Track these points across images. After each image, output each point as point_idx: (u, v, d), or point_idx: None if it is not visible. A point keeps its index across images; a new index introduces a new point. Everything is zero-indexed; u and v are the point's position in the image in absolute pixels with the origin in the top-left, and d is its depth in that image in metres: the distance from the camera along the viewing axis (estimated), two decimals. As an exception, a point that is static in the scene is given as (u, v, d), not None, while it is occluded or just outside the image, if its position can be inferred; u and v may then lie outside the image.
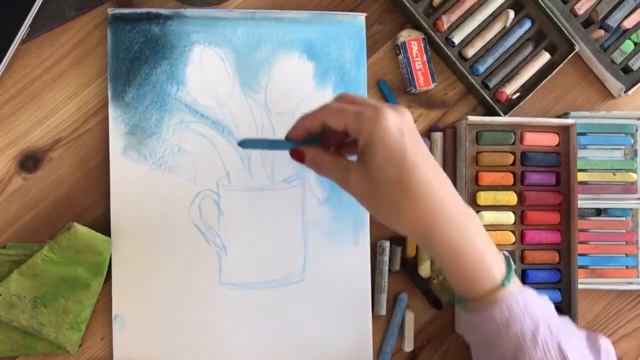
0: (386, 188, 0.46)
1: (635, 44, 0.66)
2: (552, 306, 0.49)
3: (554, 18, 0.63)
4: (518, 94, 0.64)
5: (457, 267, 0.47)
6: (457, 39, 0.63)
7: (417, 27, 0.63)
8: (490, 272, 0.47)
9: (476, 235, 0.46)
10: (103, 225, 0.58)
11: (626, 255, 0.66)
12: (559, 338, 0.46)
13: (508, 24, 0.63)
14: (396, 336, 0.63)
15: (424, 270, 0.62)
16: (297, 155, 0.52)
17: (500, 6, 0.63)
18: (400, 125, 0.46)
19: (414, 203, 0.45)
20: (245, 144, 0.51)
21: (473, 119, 0.62)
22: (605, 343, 0.50)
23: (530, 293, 0.48)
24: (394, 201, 0.46)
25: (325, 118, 0.48)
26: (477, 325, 0.48)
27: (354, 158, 0.51)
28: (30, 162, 0.59)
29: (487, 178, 0.62)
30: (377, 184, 0.46)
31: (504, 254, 0.49)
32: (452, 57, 0.62)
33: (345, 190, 0.49)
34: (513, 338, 0.46)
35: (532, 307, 0.47)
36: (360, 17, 0.62)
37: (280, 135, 0.61)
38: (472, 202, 0.62)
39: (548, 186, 0.64)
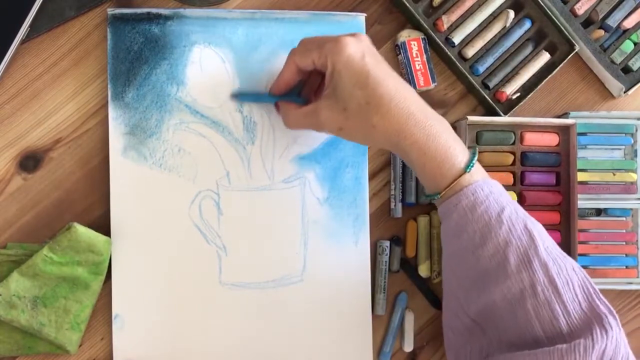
0: (357, 110, 0.51)
1: (635, 44, 0.66)
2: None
3: (554, 18, 0.63)
4: (518, 94, 0.64)
5: (425, 163, 0.51)
6: (457, 39, 0.63)
7: (417, 27, 0.63)
8: (454, 162, 0.51)
9: (442, 135, 0.51)
10: (103, 225, 0.58)
11: (626, 255, 0.66)
12: (524, 219, 0.50)
13: (508, 24, 0.63)
14: (396, 336, 0.63)
15: (424, 270, 0.62)
16: (277, 110, 0.59)
17: (500, 6, 0.63)
18: (360, 49, 0.51)
19: (384, 117, 0.50)
20: (238, 96, 0.60)
21: (473, 119, 0.61)
22: None
23: (495, 183, 0.52)
24: (367, 120, 0.51)
25: (295, 61, 0.54)
26: (447, 214, 0.52)
27: None
28: (30, 162, 0.59)
29: (487, 178, 0.62)
30: (348, 109, 0.51)
31: (470, 148, 0.53)
32: (452, 57, 0.62)
33: (321, 131, 0.54)
34: (479, 220, 0.50)
35: (497, 194, 0.51)
36: (360, 17, 0.62)
37: (282, 136, 0.61)
38: (472, 202, 0.62)
39: (548, 186, 0.64)
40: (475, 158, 0.51)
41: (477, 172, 0.51)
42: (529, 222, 0.50)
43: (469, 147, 0.54)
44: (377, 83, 0.50)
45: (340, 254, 0.61)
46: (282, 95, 0.57)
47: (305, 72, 0.55)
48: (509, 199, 0.51)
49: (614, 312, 0.48)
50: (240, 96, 0.60)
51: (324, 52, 0.51)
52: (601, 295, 0.48)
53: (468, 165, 0.51)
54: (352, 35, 0.52)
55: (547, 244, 0.50)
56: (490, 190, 0.51)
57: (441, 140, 0.51)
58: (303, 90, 0.58)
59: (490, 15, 0.63)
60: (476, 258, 0.50)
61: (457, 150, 0.51)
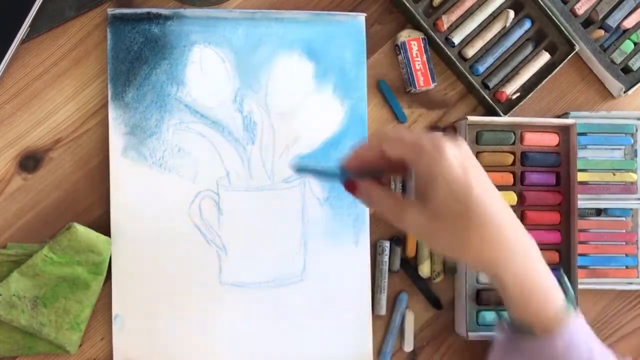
0: (450, 223, 0.45)
1: (635, 44, 0.66)
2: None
3: (554, 18, 0.63)
4: (518, 94, 0.64)
5: (523, 295, 0.46)
6: (457, 39, 0.63)
7: (417, 27, 0.63)
8: (553, 297, 0.47)
9: (539, 262, 0.47)
10: (103, 225, 0.58)
11: (626, 255, 0.66)
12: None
13: (508, 24, 0.63)
14: (396, 336, 0.63)
15: (424, 270, 0.62)
16: (350, 187, 0.49)
17: (500, 6, 0.63)
18: (461, 158, 0.44)
19: (479, 236, 0.45)
20: (298, 169, 0.54)
21: (473, 119, 0.62)
22: None
23: (580, 317, 0.48)
24: (459, 235, 0.45)
25: (383, 145, 0.46)
26: (537, 352, 0.47)
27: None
28: (30, 162, 0.59)
29: (487, 178, 0.62)
30: (439, 219, 0.45)
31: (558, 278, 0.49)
32: (452, 57, 0.62)
33: (399, 226, 0.48)
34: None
35: (586, 335, 0.47)
36: (360, 17, 0.62)
37: (282, 136, 0.61)
38: (472, 202, 0.62)
39: (548, 186, 0.64)
40: (570, 293, 0.48)
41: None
42: None
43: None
44: (481, 197, 0.44)
45: (340, 254, 0.61)
46: (355, 173, 0.49)
47: (387, 160, 0.47)
48: (591, 336, 0.48)
49: None
50: (299, 170, 0.55)
51: (421, 153, 0.44)
52: None
53: (569, 305, 0.47)
54: (452, 139, 0.45)
55: None
56: (583, 332, 0.47)
57: (540, 271, 0.46)
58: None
59: (490, 15, 0.63)
60: None
61: (554, 282, 0.47)
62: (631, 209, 0.66)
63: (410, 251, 0.63)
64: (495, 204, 0.45)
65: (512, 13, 0.63)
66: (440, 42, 0.62)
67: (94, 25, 0.60)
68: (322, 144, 0.62)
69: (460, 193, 0.44)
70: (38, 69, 0.59)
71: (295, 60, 0.61)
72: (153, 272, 0.59)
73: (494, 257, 0.45)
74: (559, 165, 0.64)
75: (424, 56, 0.63)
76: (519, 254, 0.46)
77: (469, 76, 0.63)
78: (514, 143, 0.63)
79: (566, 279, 0.49)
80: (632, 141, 0.66)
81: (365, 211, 0.62)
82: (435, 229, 0.45)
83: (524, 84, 0.64)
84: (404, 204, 0.47)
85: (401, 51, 0.63)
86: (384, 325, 0.63)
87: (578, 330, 0.47)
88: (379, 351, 0.62)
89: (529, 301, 0.46)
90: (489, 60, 0.64)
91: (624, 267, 0.65)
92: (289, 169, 0.60)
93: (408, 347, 0.63)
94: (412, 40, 0.63)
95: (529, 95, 0.64)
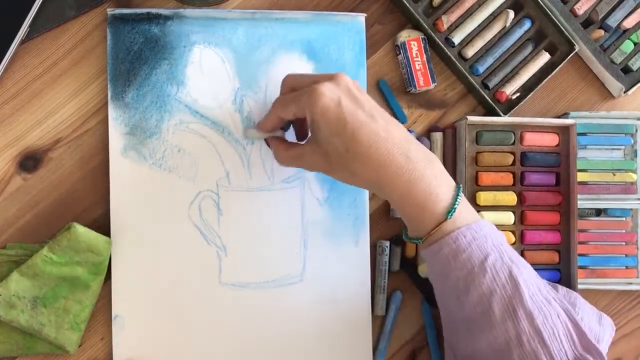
0: (337, 157, 0.50)
1: (635, 44, 0.66)
2: (503, 239, 0.52)
3: (554, 18, 0.63)
4: (518, 94, 0.64)
5: (405, 209, 0.51)
6: (457, 39, 0.63)
7: (417, 27, 0.63)
8: (434, 209, 0.50)
9: (423, 179, 0.49)
10: (103, 226, 0.58)
11: (626, 255, 0.66)
12: (510, 266, 0.49)
13: (508, 24, 0.63)
14: (391, 334, 0.63)
15: (424, 270, 0.62)
16: (267, 143, 0.59)
17: (500, 6, 0.63)
18: (336, 96, 0.50)
19: (363, 164, 0.50)
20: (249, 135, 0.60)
21: (473, 119, 0.62)
22: (563, 289, 0.55)
23: (482, 226, 0.50)
24: (347, 166, 0.50)
25: (277, 113, 0.54)
26: (430, 259, 0.52)
27: None
28: (30, 162, 0.59)
29: (486, 178, 0.62)
30: (329, 155, 0.51)
31: (456, 186, 0.51)
32: (452, 57, 0.62)
33: (305, 168, 0.55)
34: (462, 267, 0.49)
35: (481, 240, 0.49)
36: (360, 18, 0.62)
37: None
38: (472, 202, 0.62)
39: (548, 186, 0.64)
40: (458, 201, 0.50)
41: (462, 216, 0.50)
42: (515, 269, 0.49)
43: (456, 185, 0.52)
44: (355, 129, 0.49)
45: (340, 254, 0.61)
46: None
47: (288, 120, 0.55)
48: (496, 243, 0.50)
49: (603, 354, 0.48)
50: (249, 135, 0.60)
51: (301, 104, 0.51)
52: (588, 338, 0.48)
53: (449, 212, 0.49)
54: (330, 78, 0.51)
55: (532, 290, 0.49)
56: (473, 237, 0.49)
57: (422, 185, 0.49)
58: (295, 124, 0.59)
59: (490, 15, 0.63)
60: (461, 305, 0.50)
61: (438, 197, 0.49)
62: (631, 209, 0.66)
63: (410, 251, 0.63)
64: (371, 133, 0.49)
65: (512, 13, 0.63)
66: (440, 42, 0.62)
67: (94, 26, 0.60)
68: (322, 144, 0.62)
69: (337, 127, 0.49)
70: (38, 69, 0.59)
71: (295, 60, 0.61)
72: (153, 272, 0.59)
73: (376, 180, 0.50)
74: (559, 166, 0.64)
75: (424, 56, 0.63)
76: (400, 174, 0.49)
77: (468, 76, 0.63)
78: (513, 143, 0.63)
79: (460, 191, 0.51)
80: (632, 141, 0.66)
81: (366, 211, 0.62)
82: (329, 164, 0.52)
83: (524, 84, 0.64)
84: (302, 148, 0.54)
85: (401, 51, 0.63)
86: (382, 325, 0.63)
87: (465, 237, 0.49)
88: (374, 349, 0.62)
89: (409, 214, 0.51)
90: (489, 61, 0.64)
91: (624, 267, 0.66)
92: (288, 170, 0.60)
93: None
94: (412, 41, 0.63)
95: (529, 96, 0.64)
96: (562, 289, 0.56)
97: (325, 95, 0.49)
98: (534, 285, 0.49)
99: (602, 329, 0.53)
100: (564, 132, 0.64)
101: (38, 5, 0.57)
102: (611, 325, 0.55)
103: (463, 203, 0.51)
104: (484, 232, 0.50)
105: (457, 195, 0.50)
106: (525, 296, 0.48)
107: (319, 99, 0.49)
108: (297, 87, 0.53)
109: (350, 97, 0.50)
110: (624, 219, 0.66)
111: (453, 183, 0.51)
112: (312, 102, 0.50)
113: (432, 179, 0.50)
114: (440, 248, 0.50)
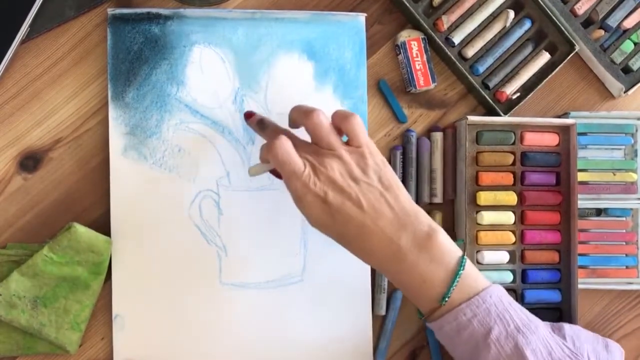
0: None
1: (635, 44, 0.66)
2: (512, 301, 0.51)
3: (554, 18, 0.63)
4: (518, 94, 0.64)
5: (405, 292, 0.52)
6: (457, 39, 0.63)
7: (417, 27, 0.63)
8: (428, 296, 0.50)
9: (413, 269, 0.49)
10: (103, 225, 0.58)
11: (626, 255, 0.66)
12: (515, 336, 0.48)
13: (508, 24, 0.63)
14: (392, 334, 0.63)
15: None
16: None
17: (500, 6, 0.63)
18: (322, 191, 0.49)
19: (354, 251, 0.51)
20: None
21: (473, 119, 0.62)
22: (569, 329, 0.53)
23: (483, 298, 0.49)
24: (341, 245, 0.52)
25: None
26: (436, 332, 0.52)
27: None
28: (30, 162, 0.59)
29: (487, 178, 0.62)
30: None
31: (459, 259, 0.50)
32: (452, 57, 0.62)
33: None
34: (466, 342, 0.49)
35: (482, 314, 0.49)
36: (360, 17, 0.62)
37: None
38: (472, 202, 0.62)
39: (548, 186, 0.64)
40: (455, 283, 0.49)
41: (464, 289, 0.49)
42: (521, 339, 0.48)
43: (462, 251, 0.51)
44: (341, 228, 0.50)
45: (340, 254, 0.61)
46: None
47: None
48: (501, 312, 0.49)
49: None
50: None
51: (287, 186, 0.50)
52: None
53: (443, 298, 0.49)
54: (333, 150, 0.50)
55: (541, 356, 0.48)
56: (474, 313, 0.49)
57: (414, 274, 0.49)
58: None
59: (490, 15, 0.63)
60: None
61: (433, 284, 0.49)
62: (631, 209, 0.66)
63: (411, 251, 0.63)
64: (358, 227, 0.49)
65: (512, 13, 0.63)
66: (440, 42, 0.62)
67: (94, 25, 0.60)
68: (322, 144, 0.62)
69: (323, 225, 0.50)
70: (38, 69, 0.59)
71: (295, 60, 0.61)
72: (153, 272, 0.59)
73: (371, 264, 0.52)
74: (559, 165, 0.64)
75: (424, 56, 0.63)
76: (392, 265, 0.50)
77: (469, 76, 0.63)
78: (514, 143, 0.63)
79: (462, 268, 0.50)
80: (632, 141, 0.66)
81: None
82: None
83: (524, 84, 0.64)
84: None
85: (401, 51, 0.63)
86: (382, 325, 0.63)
87: (465, 315, 0.49)
88: (374, 349, 0.62)
89: (409, 298, 0.52)
90: (489, 60, 0.64)
91: (624, 267, 0.66)
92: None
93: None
94: (412, 40, 0.63)
95: (529, 95, 0.64)
96: (567, 329, 0.54)
97: (309, 191, 0.49)
98: (544, 351, 0.48)
99: (610, 356, 0.53)
100: (564, 132, 0.64)
101: (38, 5, 0.57)
102: (619, 350, 0.54)
103: (467, 272, 0.50)
104: (486, 305, 0.49)
105: (457, 275, 0.49)
106: None
107: (303, 198, 0.49)
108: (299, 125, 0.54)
109: (339, 186, 0.49)
110: (624, 218, 0.66)
111: (455, 256, 0.50)
112: (296, 198, 0.50)
113: (426, 265, 0.49)
114: (441, 325, 0.50)
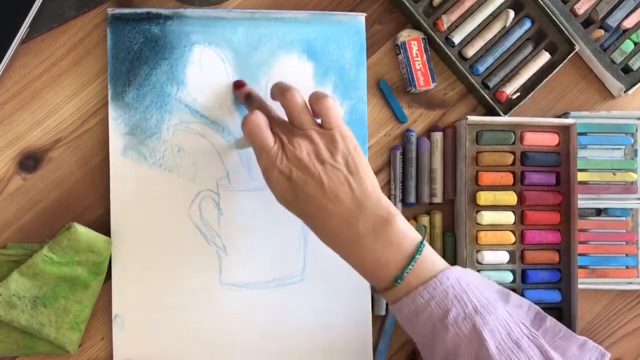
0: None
1: (635, 43, 0.66)
2: (476, 280, 0.51)
3: (554, 18, 0.63)
4: (518, 94, 0.64)
5: (363, 274, 0.52)
6: (457, 38, 0.63)
7: (417, 27, 0.63)
8: (384, 278, 0.50)
9: (370, 253, 0.50)
10: (103, 225, 0.58)
11: (626, 255, 0.66)
12: (472, 317, 0.48)
13: (508, 24, 0.63)
14: (391, 334, 0.63)
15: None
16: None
17: (500, 6, 0.63)
18: (287, 168, 0.50)
19: (314, 230, 0.52)
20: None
21: (473, 118, 0.62)
22: (550, 322, 0.53)
23: (441, 280, 0.49)
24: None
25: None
26: (397, 315, 0.52)
27: None
28: (30, 162, 0.59)
29: (487, 178, 0.62)
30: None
31: (418, 244, 0.50)
32: (452, 57, 0.62)
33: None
34: (424, 325, 0.50)
35: (439, 296, 0.49)
36: (360, 17, 0.62)
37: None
38: (472, 202, 0.62)
39: (548, 186, 0.64)
40: (410, 266, 0.49)
41: (422, 273, 0.49)
42: (478, 320, 0.48)
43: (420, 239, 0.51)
44: (303, 205, 0.51)
45: (340, 253, 0.61)
46: None
47: None
48: (459, 293, 0.49)
49: None
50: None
51: (258, 161, 0.52)
52: None
53: (396, 279, 0.49)
54: (302, 129, 0.52)
55: (499, 338, 0.48)
56: (431, 295, 0.49)
57: (371, 257, 0.50)
58: None
59: (490, 15, 0.63)
60: (431, 356, 0.50)
61: (389, 266, 0.50)
62: (631, 209, 0.66)
63: (410, 251, 0.63)
64: (318, 209, 0.50)
65: (512, 13, 0.63)
66: (440, 42, 0.62)
67: (94, 25, 0.60)
68: (322, 144, 0.61)
69: (285, 201, 0.52)
70: (38, 69, 0.59)
71: (295, 60, 0.61)
72: (153, 272, 0.59)
73: (330, 245, 0.52)
74: (559, 165, 0.64)
75: (424, 56, 0.63)
76: (350, 248, 0.51)
77: (469, 76, 0.63)
78: (514, 143, 0.63)
79: (422, 246, 0.50)
80: (632, 141, 0.66)
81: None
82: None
83: (524, 83, 0.64)
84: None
85: (401, 51, 0.63)
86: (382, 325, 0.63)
87: (422, 297, 0.49)
88: (374, 349, 0.62)
89: (369, 279, 0.52)
90: (489, 60, 0.64)
91: (624, 267, 0.66)
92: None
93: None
94: (412, 40, 0.63)
95: (529, 95, 0.64)
96: (551, 321, 0.54)
97: (276, 167, 0.50)
98: (502, 331, 0.48)
99: (581, 354, 0.52)
100: (564, 131, 0.64)
101: (38, 5, 0.57)
102: (596, 349, 0.53)
103: (425, 256, 0.50)
104: (444, 287, 0.49)
105: (412, 259, 0.49)
106: (490, 347, 0.47)
107: (270, 173, 0.51)
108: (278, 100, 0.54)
109: (304, 165, 0.50)
110: (624, 218, 0.66)
111: (413, 242, 0.50)
112: (264, 173, 0.51)
113: (383, 249, 0.50)
114: (400, 309, 0.50)
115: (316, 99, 0.52)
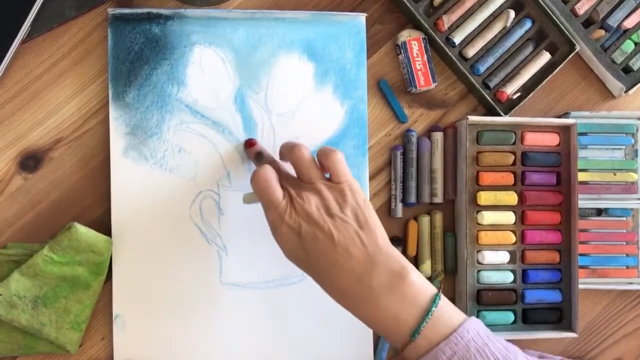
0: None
1: (635, 43, 0.66)
2: (489, 333, 0.50)
3: (555, 18, 0.63)
4: (518, 94, 0.64)
5: (377, 332, 0.51)
6: (457, 38, 0.63)
7: (418, 27, 0.63)
8: (400, 334, 0.49)
9: (385, 309, 0.49)
10: (103, 225, 0.58)
11: (627, 255, 0.66)
12: None
13: (508, 24, 0.63)
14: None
15: (425, 270, 0.62)
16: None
17: (501, 6, 0.63)
18: (297, 223, 0.50)
19: (325, 288, 0.51)
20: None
21: (474, 118, 0.62)
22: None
23: (461, 334, 0.48)
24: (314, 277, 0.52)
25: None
26: None
27: None
28: (30, 162, 0.59)
29: (487, 178, 0.62)
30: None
31: (433, 296, 0.49)
32: (453, 57, 0.62)
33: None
34: None
35: (461, 351, 0.48)
36: (361, 17, 0.62)
37: (282, 136, 0.61)
38: (473, 202, 0.62)
39: (548, 186, 0.64)
40: (426, 321, 0.48)
41: (440, 327, 0.48)
42: None
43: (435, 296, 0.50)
44: (313, 261, 0.50)
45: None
46: None
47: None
48: (480, 346, 0.48)
49: None
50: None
51: (266, 215, 0.52)
52: None
53: (413, 334, 0.48)
54: (312, 184, 0.51)
55: None
56: (453, 351, 0.48)
57: (386, 313, 0.49)
58: None
59: (491, 15, 0.63)
60: None
61: (407, 323, 0.48)
62: (632, 209, 0.66)
63: (411, 251, 0.63)
64: (328, 264, 0.49)
65: (512, 13, 0.63)
66: (441, 42, 0.62)
67: (95, 25, 0.60)
68: (322, 144, 0.61)
69: (294, 257, 0.51)
70: (38, 69, 0.59)
71: (296, 60, 0.61)
72: (154, 272, 0.59)
73: (341, 303, 0.51)
74: (560, 165, 0.64)
75: (425, 56, 0.63)
76: (362, 305, 0.49)
77: (469, 76, 0.63)
78: (514, 143, 0.63)
79: (435, 305, 0.49)
80: (633, 141, 0.66)
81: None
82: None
83: (525, 83, 0.64)
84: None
85: (402, 51, 0.63)
86: (385, 325, 0.63)
87: (445, 353, 0.47)
88: (374, 350, 0.62)
89: (385, 335, 0.50)
90: (490, 60, 0.64)
91: (625, 267, 0.66)
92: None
93: None
94: (412, 40, 0.63)
95: (530, 95, 0.64)
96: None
97: (284, 222, 0.50)
98: None
99: None
100: (564, 131, 0.64)
101: (39, 5, 0.57)
102: None
103: (442, 309, 0.49)
104: (464, 341, 0.48)
105: (428, 313, 0.48)
106: None
107: (278, 229, 0.50)
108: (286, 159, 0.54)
109: (313, 219, 0.49)
110: (624, 218, 0.66)
111: (428, 295, 0.49)
112: (272, 228, 0.51)
113: (398, 305, 0.49)
114: None
115: (325, 153, 0.52)
